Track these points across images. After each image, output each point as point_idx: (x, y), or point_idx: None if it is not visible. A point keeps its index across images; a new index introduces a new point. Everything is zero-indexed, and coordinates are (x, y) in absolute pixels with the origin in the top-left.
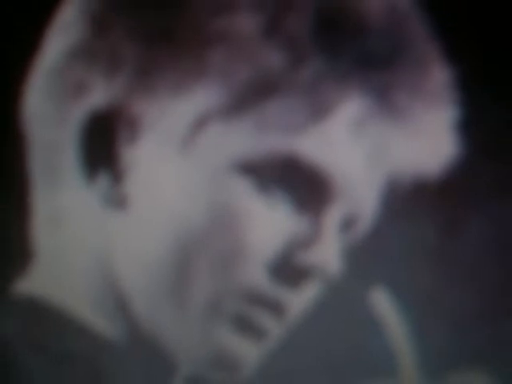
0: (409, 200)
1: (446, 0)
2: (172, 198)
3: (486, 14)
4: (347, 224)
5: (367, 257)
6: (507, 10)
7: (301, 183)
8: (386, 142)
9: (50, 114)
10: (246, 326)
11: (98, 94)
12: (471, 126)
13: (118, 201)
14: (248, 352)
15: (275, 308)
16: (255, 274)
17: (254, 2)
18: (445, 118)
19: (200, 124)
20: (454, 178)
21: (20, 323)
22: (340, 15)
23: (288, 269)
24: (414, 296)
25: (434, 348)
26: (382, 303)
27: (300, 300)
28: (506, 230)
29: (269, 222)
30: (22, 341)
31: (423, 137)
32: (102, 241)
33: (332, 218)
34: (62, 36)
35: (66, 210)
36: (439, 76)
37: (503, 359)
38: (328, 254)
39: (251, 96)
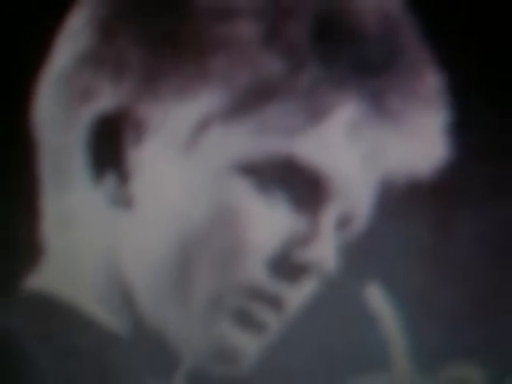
0: (403, 200)
1: (438, 7)
2: (175, 198)
3: (479, 20)
4: (343, 223)
5: (362, 254)
6: (500, 16)
7: (299, 184)
8: (381, 145)
9: (58, 119)
10: (246, 321)
11: (105, 99)
12: (464, 130)
13: (124, 201)
14: (248, 345)
15: (274, 303)
16: (255, 271)
17: (254, 10)
18: (438, 121)
19: (202, 127)
20: (447, 180)
21: (29, 318)
22: (337, 23)
23: (286, 265)
24: (407, 294)
25: (425, 346)
26: (377, 299)
27: (298, 295)
28: (498, 231)
29: (268, 221)
30: (30, 335)
31: (417, 139)
32: (109, 240)
33: (329, 217)
34: (70, 43)
35: (74, 212)
36: (432, 81)
37: (494, 358)
38: (325, 251)
39: (251, 100)
